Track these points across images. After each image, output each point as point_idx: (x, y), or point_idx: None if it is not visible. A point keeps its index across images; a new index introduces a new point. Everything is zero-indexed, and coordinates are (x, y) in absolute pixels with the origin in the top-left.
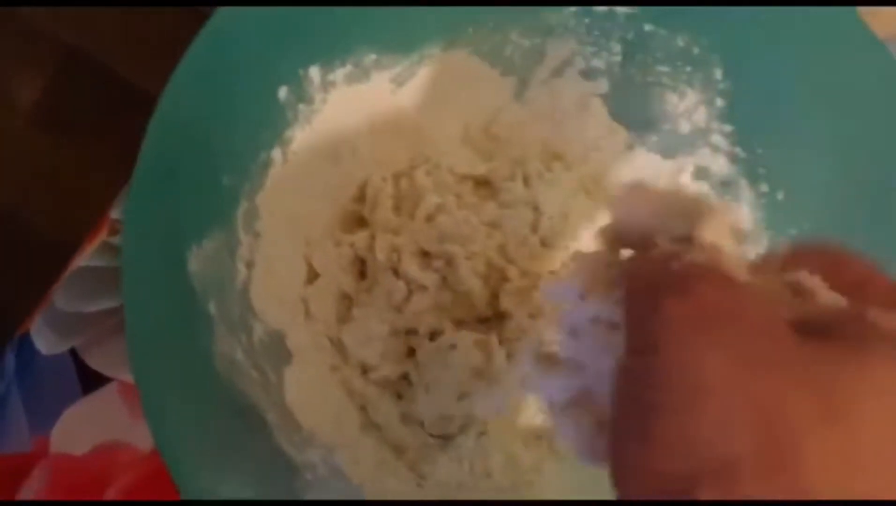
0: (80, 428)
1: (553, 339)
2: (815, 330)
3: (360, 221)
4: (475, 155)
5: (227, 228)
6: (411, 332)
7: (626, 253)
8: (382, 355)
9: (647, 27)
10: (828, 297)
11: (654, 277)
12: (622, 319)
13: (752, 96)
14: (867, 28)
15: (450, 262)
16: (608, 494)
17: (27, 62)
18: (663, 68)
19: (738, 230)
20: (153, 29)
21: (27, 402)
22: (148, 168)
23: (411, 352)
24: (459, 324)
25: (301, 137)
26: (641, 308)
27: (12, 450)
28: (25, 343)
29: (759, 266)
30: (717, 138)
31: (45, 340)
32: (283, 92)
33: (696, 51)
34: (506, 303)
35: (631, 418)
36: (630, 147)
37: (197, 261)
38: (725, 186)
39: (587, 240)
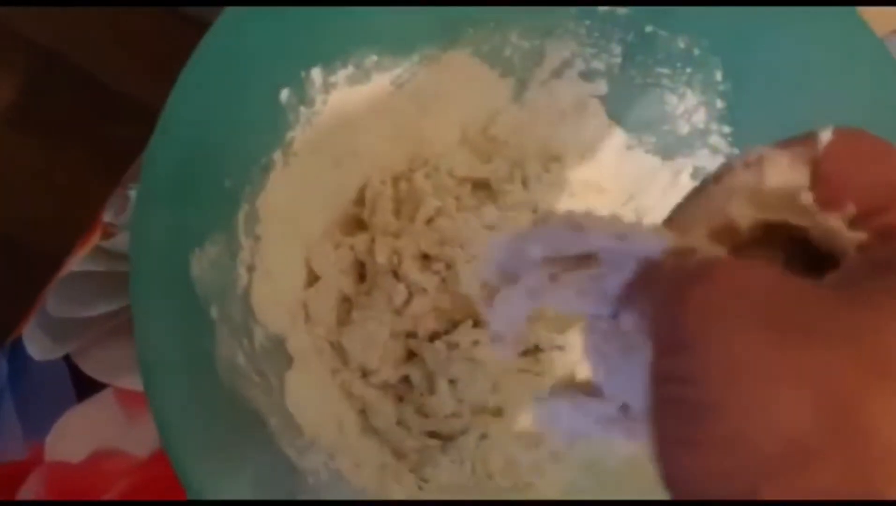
0: (76, 435)
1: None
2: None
3: (359, 224)
4: (474, 157)
5: (228, 231)
6: (411, 335)
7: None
8: (382, 358)
9: (648, 28)
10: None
11: (673, 273)
12: (642, 325)
13: (752, 98)
14: (868, 29)
15: (450, 265)
16: (607, 494)
17: (2, 63)
18: (663, 70)
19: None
20: (132, 30)
21: (21, 409)
22: (154, 173)
23: (411, 355)
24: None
25: (302, 139)
26: (663, 305)
27: (6, 458)
28: (18, 349)
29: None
30: (716, 140)
31: (38, 346)
32: (285, 94)
33: (696, 52)
34: None
35: (675, 422)
36: (629, 148)
37: (199, 266)
38: None
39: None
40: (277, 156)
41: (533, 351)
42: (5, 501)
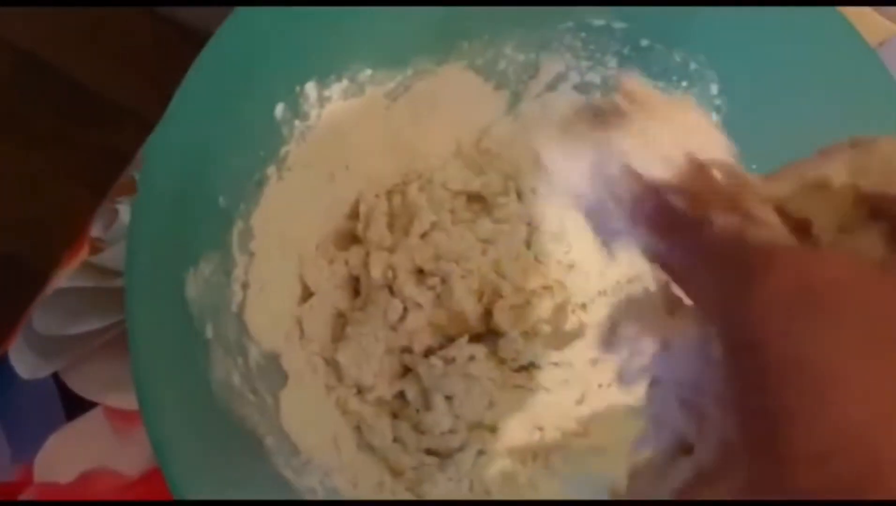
0: (66, 455)
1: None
2: None
3: (354, 239)
4: (468, 170)
5: (222, 248)
6: (406, 350)
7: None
8: (377, 374)
9: (644, 42)
10: None
11: (733, 254)
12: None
13: (747, 112)
14: (863, 41)
15: (445, 280)
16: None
17: None
18: (659, 83)
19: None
20: (108, 30)
21: (9, 428)
22: (150, 193)
23: (406, 371)
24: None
25: (296, 153)
26: (726, 296)
27: None
28: (4, 367)
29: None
30: None
31: (25, 364)
32: (279, 109)
33: (692, 66)
34: (499, 320)
35: (757, 432)
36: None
37: (195, 285)
38: None
39: (580, 254)
40: (272, 171)
41: (528, 367)
42: (5, 501)
